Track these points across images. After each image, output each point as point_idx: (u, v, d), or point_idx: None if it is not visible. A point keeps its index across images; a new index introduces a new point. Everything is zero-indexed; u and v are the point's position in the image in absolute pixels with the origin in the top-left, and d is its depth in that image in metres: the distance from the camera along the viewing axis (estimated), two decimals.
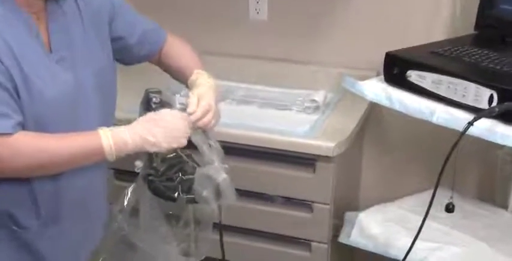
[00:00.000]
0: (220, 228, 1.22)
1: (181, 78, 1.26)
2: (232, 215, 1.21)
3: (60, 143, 1.02)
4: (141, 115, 1.19)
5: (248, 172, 1.51)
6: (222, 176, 1.12)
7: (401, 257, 1.28)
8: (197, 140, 1.15)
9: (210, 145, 1.16)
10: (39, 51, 1.04)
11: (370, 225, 1.50)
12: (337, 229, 1.56)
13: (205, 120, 1.14)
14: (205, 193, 1.11)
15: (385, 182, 1.78)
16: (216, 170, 1.13)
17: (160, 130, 1.08)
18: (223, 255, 1.27)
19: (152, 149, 1.09)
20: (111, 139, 1.05)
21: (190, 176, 1.17)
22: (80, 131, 1.06)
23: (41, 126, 1.03)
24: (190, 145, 1.16)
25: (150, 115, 1.11)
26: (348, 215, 1.56)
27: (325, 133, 1.48)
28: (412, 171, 1.74)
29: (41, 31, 1.06)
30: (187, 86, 1.25)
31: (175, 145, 1.09)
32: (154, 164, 1.18)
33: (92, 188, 1.15)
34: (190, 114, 1.13)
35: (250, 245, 1.59)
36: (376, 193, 1.77)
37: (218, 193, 1.13)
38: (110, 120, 1.18)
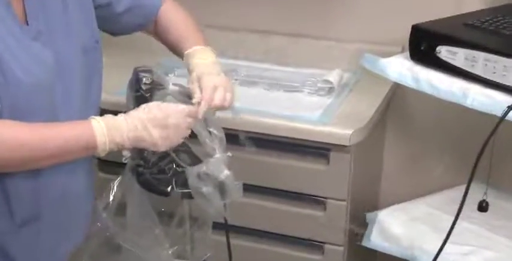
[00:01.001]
0: (227, 230, 1.22)
1: (178, 52, 1.25)
2: (233, 214, 1.21)
3: (44, 134, 1.00)
4: (128, 98, 1.19)
5: (251, 163, 1.51)
6: (224, 173, 1.12)
7: None
8: (196, 127, 1.15)
9: (210, 133, 1.16)
10: (11, 24, 1.01)
11: (392, 226, 1.50)
12: (354, 230, 1.56)
13: (217, 101, 1.14)
14: (205, 189, 1.12)
15: (410, 176, 1.78)
16: (217, 165, 1.13)
17: (160, 132, 1.07)
18: (231, 259, 1.27)
19: (148, 149, 1.08)
20: (106, 136, 1.03)
21: (186, 168, 1.17)
22: (58, 121, 1.05)
23: (16, 115, 1.01)
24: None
25: (152, 110, 1.07)
26: (368, 214, 1.56)
27: (341, 119, 1.47)
28: (441, 163, 1.74)
29: (13, 1, 1.03)
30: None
31: (174, 146, 1.09)
32: (145, 154, 1.18)
33: (75, 184, 1.14)
34: (197, 104, 1.13)
35: (254, 247, 1.60)
36: (400, 188, 1.77)
37: (221, 190, 1.13)
38: (94, 109, 1.17)
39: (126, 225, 1.20)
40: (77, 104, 1.11)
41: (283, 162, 1.51)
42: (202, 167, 1.12)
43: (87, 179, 1.18)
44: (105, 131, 1.03)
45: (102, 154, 1.05)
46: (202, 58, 1.20)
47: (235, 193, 1.13)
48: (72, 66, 1.09)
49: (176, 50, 1.25)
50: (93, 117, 1.05)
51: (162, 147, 1.08)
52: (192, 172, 1.13)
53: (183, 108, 1.10)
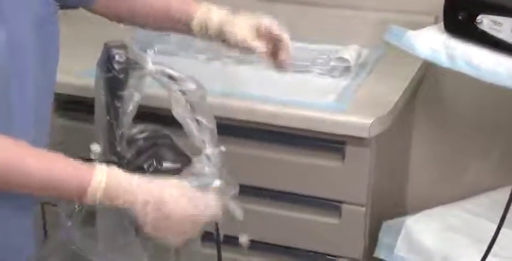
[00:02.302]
0: (218, 243, 1.21)
1: (168, 22, 1.26)
2: (227, 222, 1.20)
3: (39, 163, 1.04)
4: (98, 80, 1.19)
5: (250, 160, 1.51)
6: (214, 184, 1.14)
7: None
8: (181, 115, 1.15)
9: (199, 122, 1.16)
10: None
11: (422, 236, 1.50)
12: (375, 241, 1.56)
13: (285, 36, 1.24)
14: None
15: (443, 175, 1.79)
16: (204, 174, 1.14)
17: (171, 228, 1.09)
18: None
19: None
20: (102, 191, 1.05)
21: (169, 165, 1.18)
22: (12, 113, 1.07)
23: None
24: (171, 121, 1.16)
25: (180, 201, 1.08)
26: (391, 221, 1.56)
27: (359, 106, 1.47)
28: (481, 160, 1.75)
29: None
30: (182, 31, 1.27)
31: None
32: (118, 149, 1.18)
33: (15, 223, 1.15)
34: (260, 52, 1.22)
35: None
36: (431, 190, 1.77)
37: None
38: (49, 94, 1.17)
39: (96, 236, 1.20)
40: (32, 89, 1.11)
41: (288, 158, 1.50)
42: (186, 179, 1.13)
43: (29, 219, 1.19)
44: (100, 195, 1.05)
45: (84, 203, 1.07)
46: (223, 14, 1.23)
47: (227, 206, 1.14)
48: (25, 42, 1.09)
49: (163, 19, 1.26)
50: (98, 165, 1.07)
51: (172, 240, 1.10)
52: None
53: (212, 196, 1.11)
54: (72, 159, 1.07)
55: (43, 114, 1.18)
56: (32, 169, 1.03)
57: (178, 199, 1.07)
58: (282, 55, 1.25)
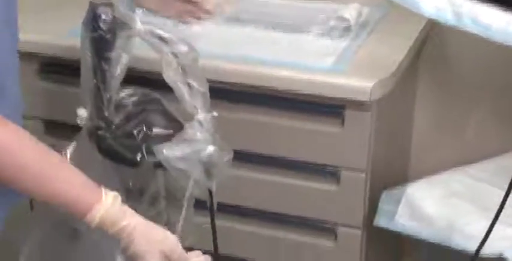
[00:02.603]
0: (212, 211, 1.22)
1: None
2: (221, 189, 1.20)
3: (55, 169, 1.08)
4: (84, 40, 1.17)
5: (244, 125, 1.50)
6: (207, 151, 1.13)
7: (471, 248, 1.28)
8: (172, 79, 1.15)
9: (190, 86, 1.16)
10: None
11: (424, 202, 1.50)
12: (375, 209, 1.56)
13: None
14: (183, 166, 1.13)
15: (447, 140, 1.79)
16: (196, 140, 1.14)
17: None
18: (216, 248, 1.27)
19: None
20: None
21: (160, 131, 1.18)
22: None
23: None
24: (161, 84, 1.15)
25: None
26: (392, 189, 1.56)
27: (359, 68, 1.46)
28: (488, 124, 1.75)
29: None
30: None
31: None
32: (106, 113, 1.18)
33: None
34: None
35: (247, 231, 1.61)
36: (435, 155, 1.77)
37: (205, 168, 1.14)
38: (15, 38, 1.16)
39: None
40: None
41: (285, 123, 1.50)
42: (177, 146, 1.13)
43: None
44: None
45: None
46: None
47: (221, 173, 1.15)
48: None
49: None
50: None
51: None
52: (163, 148, 1.14)
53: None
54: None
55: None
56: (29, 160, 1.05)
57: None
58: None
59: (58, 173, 1.08)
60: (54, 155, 1.08)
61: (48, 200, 1.08)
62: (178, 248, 1.13)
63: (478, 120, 1.75)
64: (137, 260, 1.10)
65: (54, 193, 1.07)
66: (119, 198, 1.10)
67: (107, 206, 1.08)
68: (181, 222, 1.24)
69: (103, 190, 1.09)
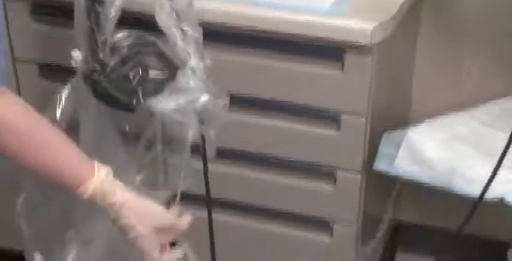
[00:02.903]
0: (205, 161, 1.20)
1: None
2: (222, 134, 1.19)
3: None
4: None
5: (240, 68, 1.49)
6: (202, 99, 1.14)
7: (474, 192, 1.28)
8: (165, 23, 1.14)
9: (183, 31, 1.15)
10: None
11: (425, 146, 1.49)
12: (375, 154, 1.56)
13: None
14: (179, 117, 1.14)
15: (450, 83, 1.78)
16: (189, 88, 1.14)
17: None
18: (208, 192, 1.26)
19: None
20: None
21: (156, 74, 1.18)
22: None
23: None
24: (155, 26, 1.15)
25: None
26: (392, 132, 1.55)
27: (359, 9, 1.45)
28: (493, 66, 1.74)
29: None
30: None
31: None
32: (101, 56, 1.18)
33: None
34: None
35: (247, 176, 1.61)
36: (437, 99, 1.77)
37: (200, 117, 1.15)
38: None
39: (80, 147, 1.19)
40: None
41: (283, 66, 1.48)
42: (170, 97, 1.14)
43: None
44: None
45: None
46: None
47: (217, 120, 1.15)
48: None
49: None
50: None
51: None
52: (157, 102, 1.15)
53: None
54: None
55: None
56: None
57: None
58: None
59: (51, 144, 1.09)
60: (47, 126, 1.08)
61: (39, 170, 1.09)
62: (168, 219, 1.16)
63: (481, 64, 1.74)
64: (128, 232, 1.13)
65: (45, 165, 1.08)
66: (111, 173, 1.12)
67: (99, 180, 1.10)
68: (178, 167, 1.25)
69: (96, 164, 1.11)
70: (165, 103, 1.16)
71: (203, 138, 1.18)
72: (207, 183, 1.24)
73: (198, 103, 1.16)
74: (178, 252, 1.19)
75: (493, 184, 1.33)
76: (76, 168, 1.10)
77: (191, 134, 1.15)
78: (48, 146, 1.08)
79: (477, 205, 1.29)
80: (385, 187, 1.77)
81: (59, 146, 1.09)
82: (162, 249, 1.16)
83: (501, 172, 1.28)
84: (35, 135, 1.06)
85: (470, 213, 1.29)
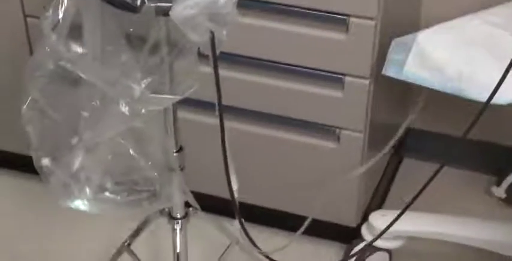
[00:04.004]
0: (215, 63, 1.17)
1: None
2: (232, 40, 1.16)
3: None
4: None
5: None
6: None
7: (483, 97, 1.26)
8: None
9: None
10: None
11: (435, 50, 1.46)
12: (384, 60, 1.53)
13: None
14: (187, 14, 1.08)
15: None
16: None
17: None
18: (219, 97, 1.25)
19: None
20: None
21: None
22: None
23: None
24: None
25: None
26: (402, 37, 1.52)
27: None
28: None
29: None
30: None
31: None
32: None
33: None
34: None
35: (255, 82, 1.61)
36: (447, 2, 1.73)
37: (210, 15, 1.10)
38: None
39: (84, 50, 1.19)
40: None
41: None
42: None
43: None
44: None
45: None
46: None
47: (228, 18, 1.10)
48: None
49: None
50: None
51: None
52: None
53: None
54: None
55: None
56: None
57: None
58: None
59: None
60: None
61: None
62: None
63: None
64: None
65: None
66: None
67: None
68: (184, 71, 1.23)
69: None
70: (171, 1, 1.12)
71: (213, 38, 1.14)
72: (218, 86, 1.20)
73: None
74: None
75: (503, 88, 1.32)
76: None
77: (200, 33, 1.11)
78: None
79: (484, 109, 1.27)
80: (393, 93, 1.76)
81: None
82: None
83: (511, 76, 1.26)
84: None
85: (476, 117, 1.28)
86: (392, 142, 1.66)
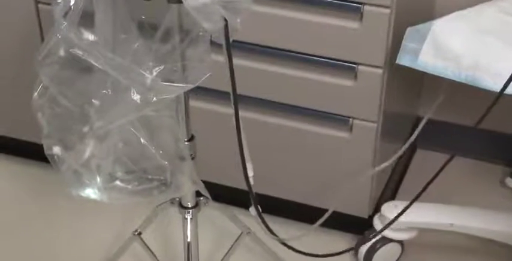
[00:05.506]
0: (229, 52, 1.17)
1: None
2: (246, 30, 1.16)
3: None
4: None
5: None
6: None
7: (497, 87, 1.26)
8: None
9: None
10: None
11: (451, 39, 1.46)
12: (398, 49, 1.52)
13: None
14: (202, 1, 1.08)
15: None
16: None
17: None
18: (234, 86, 1.25)
19: None
20: None
21: None
22: None
23: None
24: None
25: None
26: (417, 25, 1.52)
27: None
28: None
29: None
30: None
31: None
32: None
33: None
34: None
35: (269, 71, 1.61)
36: None
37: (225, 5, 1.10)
38: None
39: (95, 37, 1.19)
40: None
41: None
42: None
43: None
44: None
45: None
46: None
47: (242, 6, 1.10)
48: None
49: None
50: None
51: None
52: None
53: None
54: None
55: None
56: None
57: None
58: None
59: None
60: None
61: None
62: None
63: None
64: None
65: None
66: None
67: None
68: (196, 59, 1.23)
69: None
70: None
71: (226, 26, 1.14)
72: (232, 75, 1.19)
73: None
74: None
75: None
76: None
77: (214, 21, 1.10)
78: None
79: (498, 99, 1.27)
80: (407, 82, 1.76)
81: None
82: None
83: None
84: None
85: (489, 107, 1.27)
86: (413, 137, 1.64)
